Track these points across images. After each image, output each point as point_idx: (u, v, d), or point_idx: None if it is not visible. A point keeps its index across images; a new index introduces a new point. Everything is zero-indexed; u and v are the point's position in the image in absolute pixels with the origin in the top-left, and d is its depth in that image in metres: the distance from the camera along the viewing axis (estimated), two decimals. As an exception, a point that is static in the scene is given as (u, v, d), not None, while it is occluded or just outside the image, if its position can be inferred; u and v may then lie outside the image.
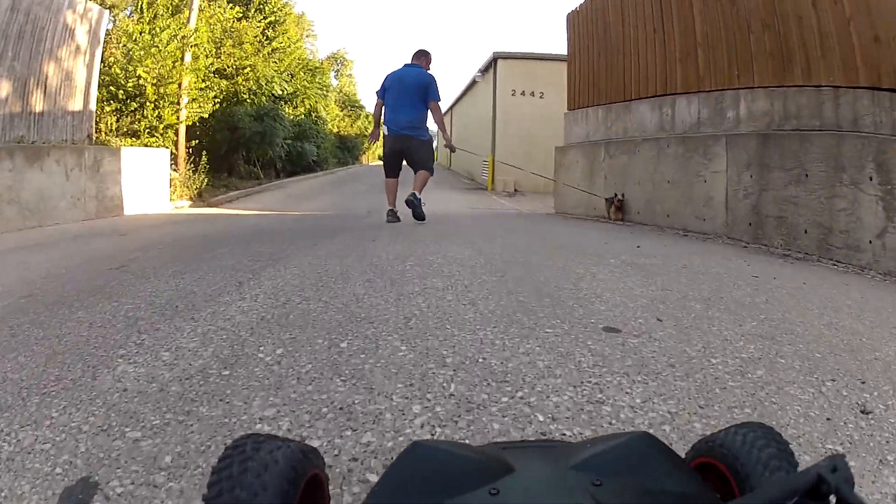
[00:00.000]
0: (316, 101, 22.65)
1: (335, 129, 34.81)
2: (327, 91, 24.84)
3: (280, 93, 18.06)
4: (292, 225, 7.17)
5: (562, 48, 17.12)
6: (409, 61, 6.61)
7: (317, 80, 22.82)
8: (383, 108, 6.54)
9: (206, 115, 12.81)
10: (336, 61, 40.49)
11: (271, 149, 16.16)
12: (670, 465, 0.64)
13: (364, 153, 47.54)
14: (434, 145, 13.06)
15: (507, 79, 17.66)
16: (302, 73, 20.89)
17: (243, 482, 0.59)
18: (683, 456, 0.76)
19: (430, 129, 7.35)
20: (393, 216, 6.72)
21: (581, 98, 9.88)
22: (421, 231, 5.93)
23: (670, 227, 6.88)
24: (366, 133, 47.46)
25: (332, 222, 7.44)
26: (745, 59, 6.26)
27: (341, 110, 38.58)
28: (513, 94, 17.57)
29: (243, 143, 15.10)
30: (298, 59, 20.50)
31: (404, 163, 6.91)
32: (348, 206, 10.84)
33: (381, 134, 6.74)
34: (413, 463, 0.65)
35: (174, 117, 11.72)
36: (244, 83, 15.21)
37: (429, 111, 6.47)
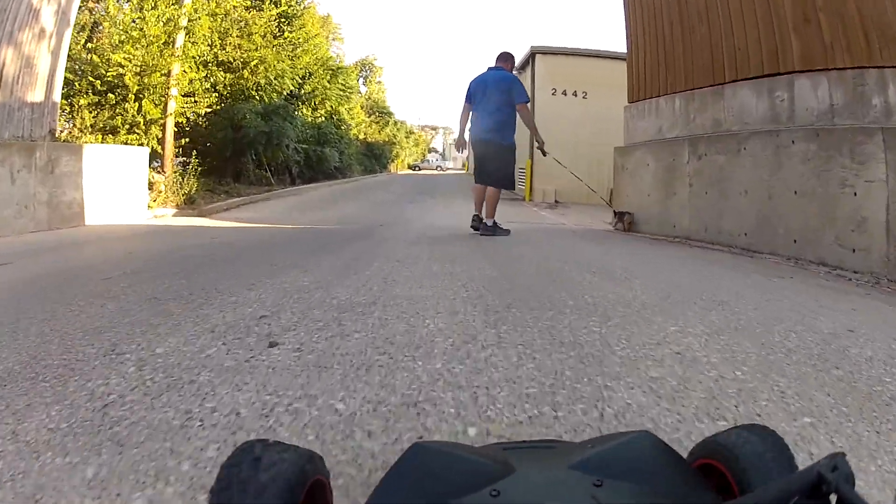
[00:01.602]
0: (338, 104, 20.89)
1: (361, 136, 33.23)
2: (350, 93, 23.05)
3: (293, 89, 16.36)
4: (276, 242, 5.93)
5: (606, 45, 15.17)
6: (493, 66, 6.36)
7: (339, 80, 21.10)
8: (470, 113, 6.35)
9: (202, 111, 11.10)
10: (364, 67, 39.19)
11: (281, 151, 14.39)
12: (671, 466, 0.64)
13: (393, 161, 46.01)
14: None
15: (547, 76, 15.81)
16: (321, 71, 19.20)
17: (247, 487, 0.60)
18: (684, 456, 0.75)
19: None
20: (476, 221, 6.33)
21: (648, 86, 7.83)
22: (458, 254, 4.61)
23: (799, 257, 4.80)
24: (394, 140, 46.76)
25: (330, 239, 6.03)
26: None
27: (368, 116, 36.98)
28: (553, 94, 15.77)
29: (247, 144, 13.38)
30: (316, 56, 18.81)
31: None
32: (361, 218, 9.18)
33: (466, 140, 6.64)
34: (415, 464, 0.66)
35: (158, 111, 10.01)
36: (251, 77, 13.50)
37: (516, 114, 6.22)
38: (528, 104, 6.27)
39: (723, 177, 5.91)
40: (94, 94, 9.83)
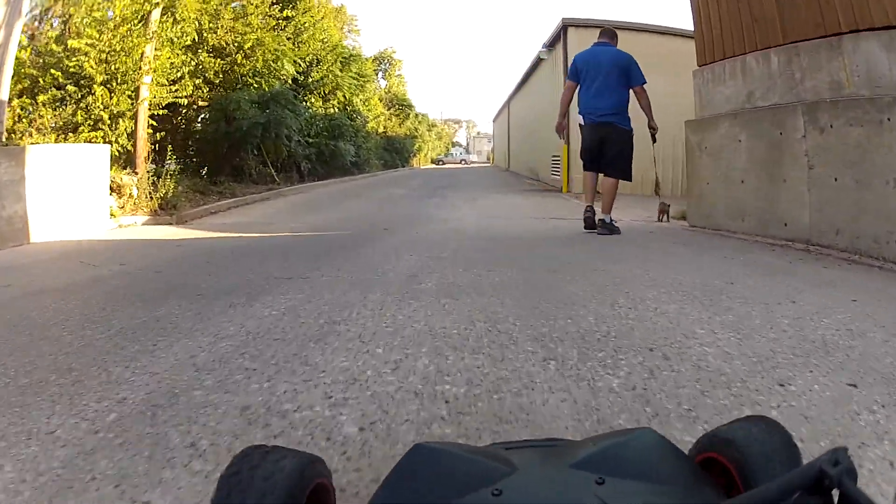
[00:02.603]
0: (351, 93, 19.26)
1: (380, 129, 31.63)
2: (365, 82, 21.37)
3: (296, 76, 14.78)
4: (231, 261, 4.51)
5: (644, 19, 13.30)
6: (598, 42, 5.94)
7: (352, 69, 19.47)
8: (575, 93, 5.85)
9: (183, 100, 9.59)
10: (383, 61, 37.62)
11: (281, 145, 12.77)
12: (673, 462, 0.64)
13: (415, 155, 44.21)
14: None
15: (582, 49, 13.77)
16: (330, 57, 17.57)
17: (248, 492, 0.60)
18: (687, 451, 0.75)
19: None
20: (590, 212, 5.73)
21: (729, 41, 6.05)
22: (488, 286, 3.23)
23: None
24: (415, 134, 44.88)
25: (315, 249, 4.96)
26: None
27: (388, 109, 35.40)
28: None
29: (240, 138, 11.81)
30: (323, 41, 17.19)
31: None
32: (366, 219, 7.69)
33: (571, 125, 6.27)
34: (416, 464, 0.66)
35: (125, 102, 8.51)
36: (246, 62, 11.95)
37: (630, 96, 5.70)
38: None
39: (863, 156, 4.11)
40: (57, 88, 8.39)
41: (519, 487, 0.58)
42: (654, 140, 6.12)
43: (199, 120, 11.99)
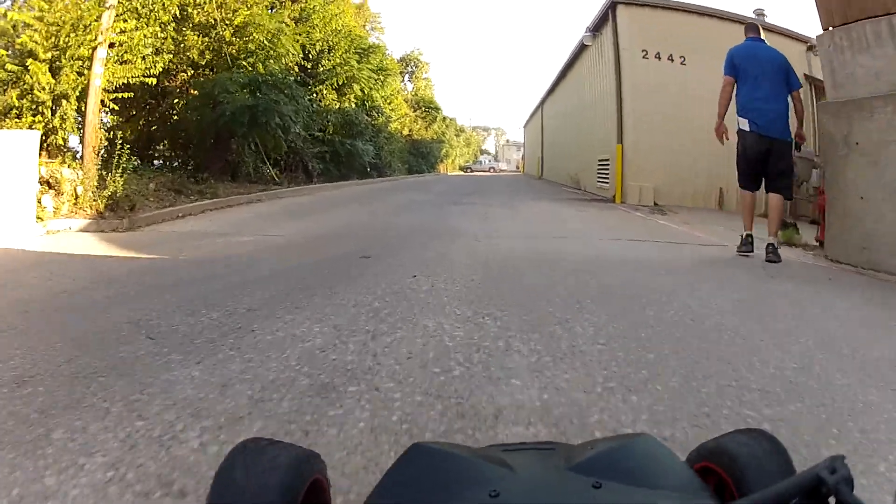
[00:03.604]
0: (370, 88, 17.53)
1: (405, 131, 29.93)
2: (386, 76, 19.59)
3: (299, 60, 13.09)
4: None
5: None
6: (750, 37, 5.21)
7: (371, 62, 17.78)
8: (734, 92, 5.10)
9: (140, 76, 7.94)
10: (409, 63, 35.97)
11: (276, 136, 10.96)
12: (671, 468, 0.64)
13: (441, 161, 42.31)
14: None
15: (635, 34, 11.83)
16: (343, 43, 15.86)
17: (244, 488, 0.60)
18: (683, 459, 0.75)
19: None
20: (748, 247, 4.96)
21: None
22: None
23: None
24: (442, 139, 42.93)
25: (228, 296, 3.11)
26: None
27: (413, 111, 33.74)
28: (644, 57, 11.74)
29: (223, 125, 10.13)
30: (335, 28, 15.51)
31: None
32: (363, 232, 6.18)
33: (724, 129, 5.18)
34: (414, 464, 0.65)
35: (70, 81, 6.89)
36: (236, 41, 10.28)
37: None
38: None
39: None
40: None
41: (516, 489, 0.58)
42: (799, 148, 5.51)
43: (181, 106, 10.35)
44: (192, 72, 10.92)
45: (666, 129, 11.65)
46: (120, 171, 6.74)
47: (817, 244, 5.57)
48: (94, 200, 6.42)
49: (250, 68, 10.80)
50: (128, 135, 9.25)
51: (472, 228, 6.37)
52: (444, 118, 41.92)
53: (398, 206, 9.35)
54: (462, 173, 47.75)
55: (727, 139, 5.12)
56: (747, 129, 4.93)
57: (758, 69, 4.92)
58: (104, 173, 6.70)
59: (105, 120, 9.16)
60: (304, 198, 10.49)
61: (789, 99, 4.93)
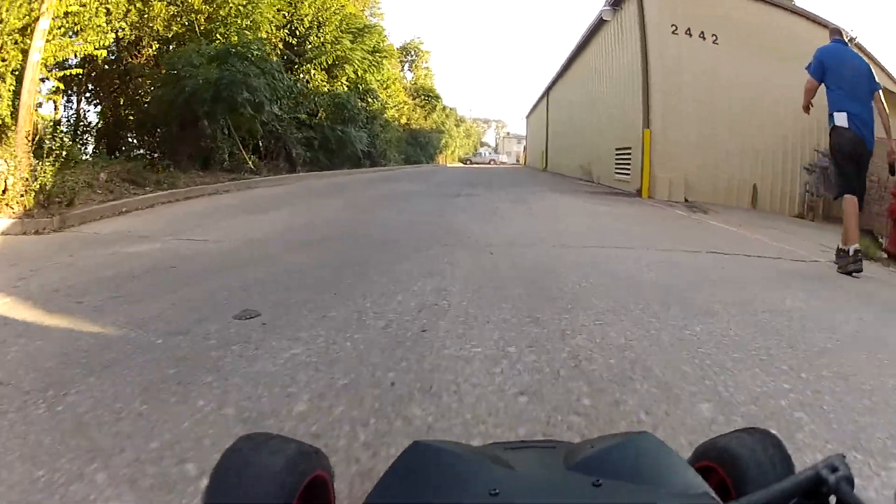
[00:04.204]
0: (364, 70, 16.09)
1: (402, 120, 28.53)
2: (382, 57, 18.06)
3: (283, 35, 11.67)
4: None
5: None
6: (836, 39, 5.05)
7: (366, 43, 16.36)
8: (828, 92, 4.78)
9: (102, 53, 6.65)
10: (409, 52, 34.77)
11: (245, 115, 9.50)
12: (670, 466, 0.63)
13: (441, 152, 40.75)
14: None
15: (663, 6, 10.47)
16: (334, 20, 14.46)
17: (241, 483, 0.59)
18: (683, 457, 0.72)
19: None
20: (858, 264, 4.28)
21: None
22: None
23: None
24: (441, 129, 41.35)
25: None
26: None
27: (412, 99, 32.38)
28: (674, 32, 10.36)
29: (184, 103, 8.72)
30: (325, 3, 14.12)
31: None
32: (335, 236, 4.70)
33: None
34: (414, 463, 0.64)
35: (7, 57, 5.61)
36: (206, 7, 8.88)
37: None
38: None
39: None
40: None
41: (516, 488, 0.57)
42: (893, 172, 4.79)
43: (147, 86, 9.00)
44: (158, 46, 9.59)
45: (697, 116, 10.39)
46: (52, 159, 5.49)
47: (885, 255, 5.32)
48: (23, 195, 5.11)
49: (222, 39, 9.41)
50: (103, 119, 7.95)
51: (481, 231, 4.99)
52: (444, 108, 40.45)
53: (384, 198, 7.94)
54: (461, 165, 46.23)
55: (810, 107, 4.86)
56: (846, 125, 4.54)
57: (851, 73, 4.73)
58: (38, 163, 5.40)
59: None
60: (280, 188, 9.10)
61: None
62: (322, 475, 0.70)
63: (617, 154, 12.88)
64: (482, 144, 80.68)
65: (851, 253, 4.27)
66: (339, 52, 14.68)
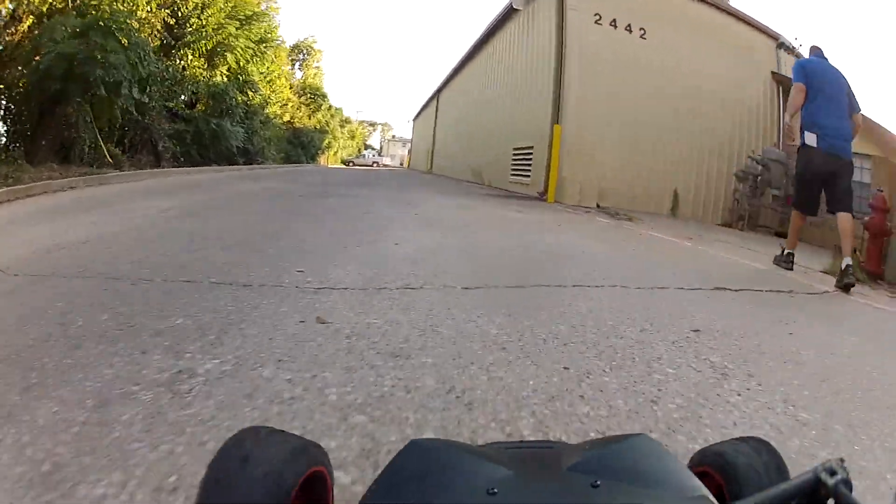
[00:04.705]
0: (246, 61, 14.73)
1: (286, 118, 27.07)
2: (266, 48, 16.70)
3: (164, 15, 10.30)
4: None
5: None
6: (817, 53, 5.06)
7: (252, 31, 15.02)
8: (805, 107, 4.81)
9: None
10: (302, 50, 33.72)
11: (98, 97, 8.11)
12: (669, 468, 0.63)
13: (323, 153, 39.23)
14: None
15: (585, -6, 9.91)
16: (221, 5, 13.14)
17: (236, 479, 0.58)
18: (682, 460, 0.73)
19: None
20: (789, 264, 4.96)
21: None
22: None
23: None
24: (325, 129, 39.89)
25: None
26: None
27: (298, 97, 30.97)
28: (597, 23, 9.92)
29: (37, 83, 7.43)
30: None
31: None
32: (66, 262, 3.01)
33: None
34: (411, 462, 0.63)
35: None
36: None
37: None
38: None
39: None
40: None
41: (514, 488, 0.56)
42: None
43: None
44: (33, 21, 8.16)
45: (617, 114, 9.95)
46: None
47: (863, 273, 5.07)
48: None
49: (94, 14, 7.99)
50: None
51: (351, 255, 3.47)
52: (330, 107, 39.10)
53: (233, 198, 6.69)
54: (344, 167, 44.95)
55: (792, 139, 4.91)
56: (814, 144, 4.65)
57: (831, 87, 4.76)
58: None
59: None
60: (126, 185, 7.63)
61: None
62: (320, 471, 0.68)
63: (515, 155, 12.31)
64: (367, 147, 79.65)
65: (784, 254, 4.98)
66: (220, 38, 13.29)
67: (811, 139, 4.68)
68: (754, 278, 4.35)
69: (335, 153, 49.04)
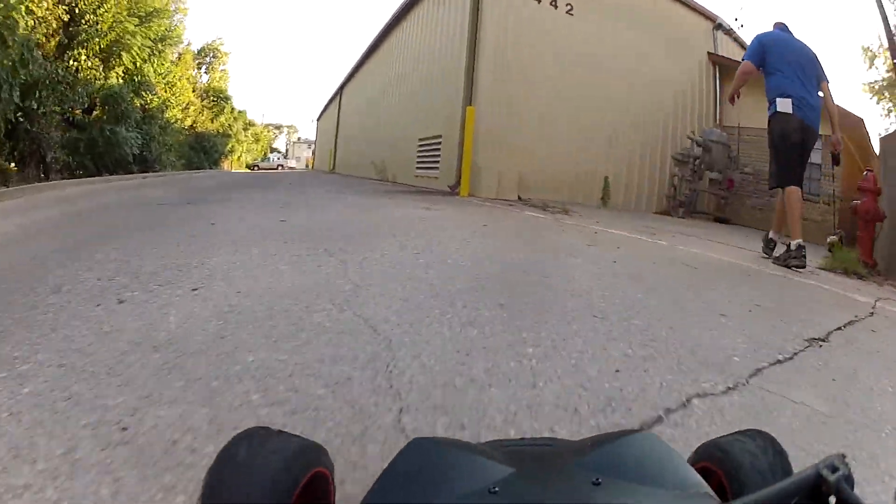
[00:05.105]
0: (143, 60, 13.77)
1: (188, 122, 25.75)
2: (165, 45, 15.65)
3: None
4: None
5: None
6: (780, 27, 4.81)
7: (152, 29, 14.05)
8: (771, 79, 4.56)
9: None
10: (209, 53, 32.60)
11: None
12: (670, 465, 0.63)
13: (226, 157, 37.61)
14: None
15: (507, -37, 8.91)
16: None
17: (238, 479, 0.58)
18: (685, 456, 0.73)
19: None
20: (803, 259, 4.15)
21: None
22: None
23: None
24: (229, 132, 38.10)
25: None
26: None
27: (201, 100, 29.48)
28: None
29: None
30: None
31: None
32: None
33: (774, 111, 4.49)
34: (413, 460, 0.63)
35: None
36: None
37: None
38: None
39: None
40: None
41: (516, 486, 0.56)
42: (838, 162, 4.72)
43: None
44: None
45: (541, 94, 9.04)
46: None
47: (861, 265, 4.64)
48: None
49: None
50: None
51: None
52: (234, 110, 37.48)
53: (81, 214, 5.42)
54: (248, 171, 43.11)
55: (736, 98, 4.70)
56: (790, 111, 4.30)
57: (794, 58, 4.50)
58: None
59: None
60: None
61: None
62: (322, 472, 0.68)
63: (421, 146, 11.32)
64: (273, 150, 77.26)
65: (794, 248, 4.16)
66: (115, 36, 12.28)
67: (785, 105, 4.37)
68: (822, 299, 3.34)
69: (239, 157, 47.01)
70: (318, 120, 41.50)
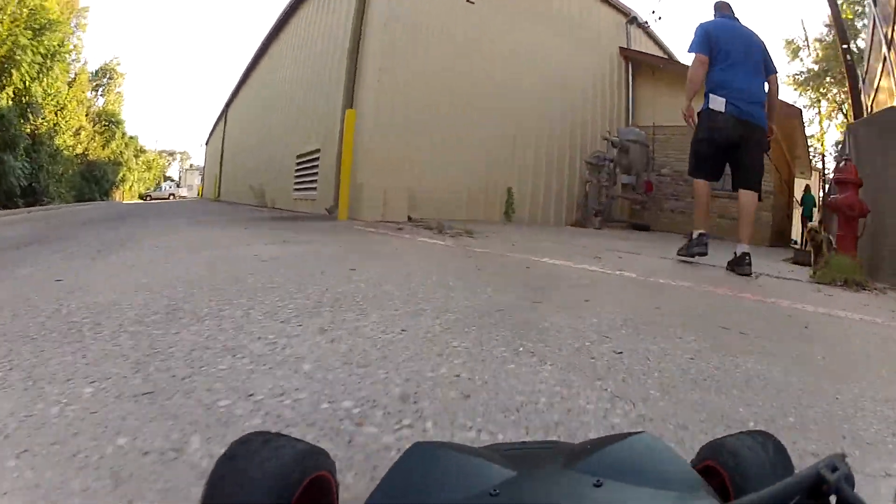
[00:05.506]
0: (31, 78, 12.61)
1: (81, 149, 24.24)
2: (55, 62, 13.96)
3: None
4: None
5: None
6: (724, 13, 4.59)
7: (44, 43, 12.79)
8: (710, 70, 4.33)
9: None
10: (105, 74, 30.95)
11: None
12: (671, 466, 0.63)
13: (118, 187, 36.01)
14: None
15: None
16: (11, 9, 11.34)
17: (237, 483, 0.58)
18: (687, 458, 0.73)
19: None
20: (702, 247, 4.25)
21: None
22: None
23: None
24: (120, 160, 36.29)
25: None
26: None
27: (93, 125, 27.79)
28: None
29: None
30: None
31: None
32: None
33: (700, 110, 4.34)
34: (414, 464, 0.64)
35: None
36: None
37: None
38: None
39: None
40: None
41: (516, 488, 0.57)
42: (768, 148, 4.48)
43: None
44: None
45: (432, 98, 7.93)
46: None
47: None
48: None
49: None
50: None
51: None
52: (124, 134, 35.49)
53: None
54: (140, 201, 40.71)
55: (693, 123, 4.34)
56: (721, 109, 4.16)
57: (739, 47, 4.35)
58: None
59: None
60: None
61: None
62: (324, 476, 0.69)
63: (299, 163, 10.00)
64: (166, 178, 73.93)
65: (696, 237, 4.26)
66: (5, 52, 11.33)
67: (717, 103, 4.20)
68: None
69: (130, 187, 44.56)
70: (206, 144, 37.82)
